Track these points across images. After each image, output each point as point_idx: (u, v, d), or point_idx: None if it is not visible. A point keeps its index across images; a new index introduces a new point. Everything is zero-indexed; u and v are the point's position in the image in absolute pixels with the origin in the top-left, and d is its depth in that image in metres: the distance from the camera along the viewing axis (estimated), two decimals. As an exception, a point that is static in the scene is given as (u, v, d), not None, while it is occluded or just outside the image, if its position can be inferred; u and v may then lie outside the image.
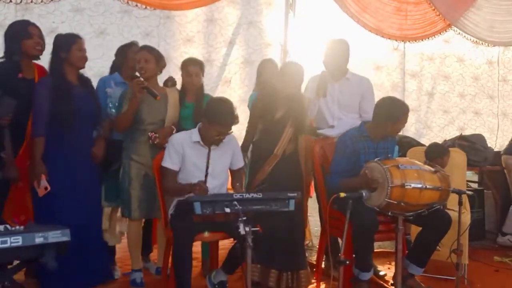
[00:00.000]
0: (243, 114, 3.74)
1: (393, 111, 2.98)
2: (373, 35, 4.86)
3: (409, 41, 5.09)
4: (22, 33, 2.89)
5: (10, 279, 2.53)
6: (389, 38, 4.98)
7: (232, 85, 4.55)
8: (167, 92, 3.18)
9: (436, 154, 3.38)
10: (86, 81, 3.06)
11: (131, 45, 3.34)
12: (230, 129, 2.88)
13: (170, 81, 3.32)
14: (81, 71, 3.06)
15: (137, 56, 3.09)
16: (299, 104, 3.19)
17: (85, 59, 2.99)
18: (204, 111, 2.91)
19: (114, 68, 3.36)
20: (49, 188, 2.81)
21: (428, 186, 2.74)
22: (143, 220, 3.30)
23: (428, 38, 5.08)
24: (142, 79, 2.98)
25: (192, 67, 3.27)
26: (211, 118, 2.81)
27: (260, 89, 3.63)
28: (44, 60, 3.03)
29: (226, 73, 4.55)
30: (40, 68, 3.04)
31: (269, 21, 4.61)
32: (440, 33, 5.10)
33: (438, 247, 3.06)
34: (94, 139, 3.06)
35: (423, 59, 5.29)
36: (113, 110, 3.15)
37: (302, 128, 3.18)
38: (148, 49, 3.11)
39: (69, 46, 2.91)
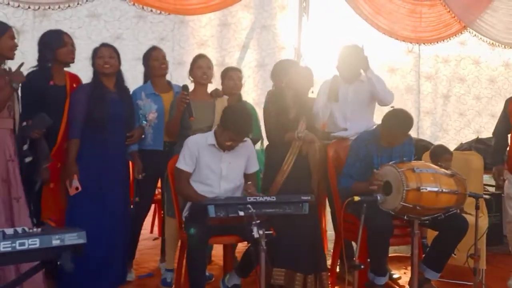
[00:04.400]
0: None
1: (393, 127, 2.96)
2: (387, 38, 4.84)
3: (423, 43, 5.05)
4: (57, 42, 3.00)
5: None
6: (403, 40, 4.96)
7: (245, 89, 4.56)
8: (216, 100, 3.25)
9: (437, 154, 3.37)
10: (123, 88, 3.17)
11: (150, 52, 3.39)
12: (243, 138, 2.89)
13: (216, 93, 3.36)
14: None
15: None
16: (307, 103, 3.22)
17: (105, 64, 3.05)
18: (221, 116, 2.93)
19: (146, 77, 3.43)
20: (80, 188, 2.92)
21: (444, 190, 2.70)
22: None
23: (443, 40, 5.05)
24: (187, 94, 3.06)
25: (234, 72, 3.53)
26: (225, 124, 2.83)
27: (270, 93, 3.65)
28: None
29: (240, 76, 4.57)
30: (72, 75, 3.15)
31: (282, 24, 4.62)
32: (455, 35, 5.06)
33: (454, 252, 3.01)
34: (131, 154, 3.20)
35: (438, 61, 5.25)
36: (144, 122, 3.24)
37: (312, 126, 3.18)
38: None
39: (94, 57, 3.06)
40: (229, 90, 3.46)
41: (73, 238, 1.79)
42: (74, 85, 3.10)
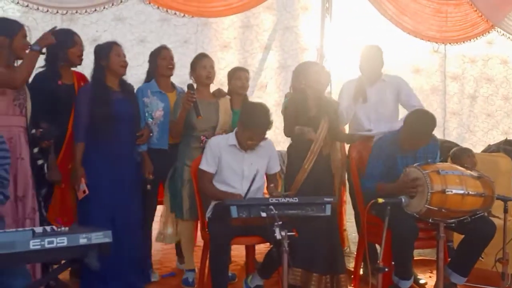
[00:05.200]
0: (278, 118, 3.75)
1: (414, 127, 2.90)
2: (411, 38, 4.77)
3: (449, 43, 4.96)
4: (69, 42, 3.01)
5: (56, 278, 2.66)
6: (429, 40, 4.87)
7: (267, 90, 4.57)
8: (219, 100, 3.25)
9: (457, 156, 3.34)
10: (127, 86, 3.14)
11: (160, 51, 3.38)
12: (264, 135, 2.89)
13: (218, 93, 3.37)
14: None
15: (166, 55, 3.21)
16: (329, 102, 3.19)
17: (124, 64, 3.06)
18: (239, 115, 2.93)
19: (149, 74, 3.41)
20: (87, 192, 2.92)
21: (470, 192, 2.65)
22: None
23: (470, 40, 4.94)
24: (194, 93, 3.05)
25: (242, 72, 3.49)
26: (244, 122, 2.84)
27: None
28: (82, 67, 3.16)
29: (262, 78, 4.58)
30: (79, 74, 3.16)
31: (305, 25, 4.61)
32: (482, 34, 4.94)
33: (482, 255, 2.94)
34: (141, 154, 3.18)
35: (465, 61, 5.15)
36: (150, 119, 3.23)
37: (335, 128, 3.15)
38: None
39: (107, 53, 3.01)
40: (236, 90, 3.43)
41: (100, 237, 1.82)
42: (82, 84, 3.10)
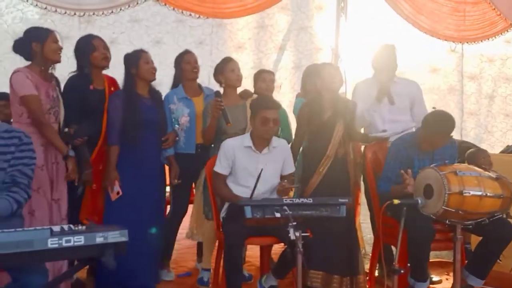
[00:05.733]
0: (293, 118, 3.75)
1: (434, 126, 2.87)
2: (428, 37, 4.71)
3: (467, 42, 4.89)
4: (88, 47, 3.07)
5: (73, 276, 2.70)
6: (446, 40, 4.81)
7: (282, 91, 4.57)
8: (247, 102, 3.27)
9: (472, 157, 3.32)
10: (156, 94, 3.24)
11: (183, 55, 3.42)
12: (276, 112, 2.90)
13: (245, 94, 3.40)
14: None
15: (190, 58, 3.27)
16: (345, 104, 3.18)
17: (153, 70, 3.15)
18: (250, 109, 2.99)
19: (176, 80, 3.46)
20: (121, 193, 3.02)
21: (488, 194, 2.61)
22: None
23: (488, 39, 4.86)
24: (221, 100, 3.09)
25: (267, 74, 3.57)
26: (253, 108, 2.90)
27: (305, 95, 3.63)
28: (110, 70, 3.22)
29: (276, 78, 4.56)
30: (111, 79, 3.24)
31: (320, 25, 4.59)
32: (501, 33, 4.86)
33: (500, 258, 2.89)
34: (167, 158, 3.24)
35: (483, 61, 5.07)
36: (176, 126, 3.29)
37: (351, 127, 3.14)
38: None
39: (137, 61, 3.11)
40: (262, 91, 3.48)
41: (116, 236, 1.84)
42: (112, 88, 3.18)
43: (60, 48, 2.84)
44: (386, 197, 2.68)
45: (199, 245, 3.56)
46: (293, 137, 3.38)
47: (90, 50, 3.05)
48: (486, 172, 2.76)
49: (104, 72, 3.19)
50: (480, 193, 2.60)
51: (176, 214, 3.39)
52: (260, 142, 2.94)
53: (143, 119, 3.05)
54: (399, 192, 2.80)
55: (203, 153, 3.30)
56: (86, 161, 2.94)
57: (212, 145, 3.29)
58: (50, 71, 2.87)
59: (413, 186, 2.76)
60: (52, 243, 1.78)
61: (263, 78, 3.53)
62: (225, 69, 3.29)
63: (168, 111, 3.28)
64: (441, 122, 2.88)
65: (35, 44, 2.76)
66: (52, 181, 2.79)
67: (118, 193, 3.01)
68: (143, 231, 2.98)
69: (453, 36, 4.80)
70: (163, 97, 3.31)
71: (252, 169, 2.92)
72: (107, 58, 3.12)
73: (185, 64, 3.37)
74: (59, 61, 2.86)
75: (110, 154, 3.05)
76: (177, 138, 3.28)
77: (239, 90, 3.40)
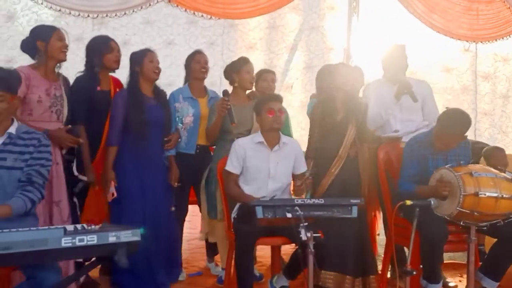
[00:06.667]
0: (305, 119, 3.74)
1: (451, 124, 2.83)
2: (441, 36, 4.67)
3: (481, 42, 4.83)
4: (105, 47, 3.05)
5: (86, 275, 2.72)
6: (459, 39, 4.77)
7: (293, 91, 4.57)
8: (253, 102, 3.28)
9: (488, 155, 3.29)
10: (160, 93, 3.21)
11: (194, 55, 3.41)
12: (279, 104, 2.93)
13: (253, 95, 3.41)
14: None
15: (200, 59, 3.26)
16: (357, 105, 3.15)
17: (157, 70, 3.12)
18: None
19: (186, 80, 3.46)
20: (115, 195, 2.98)
21: (504, 195, 2.57)
22: None
23: (502, 38, 4.80)
24: (228, 99, 3.10)
25: (268, 74, 3.60)
26: (258, 105, 2.94)
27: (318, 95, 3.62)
28: (118, 72, 3.21)
29: (288, 78, 4.58)
30: (116, 80, 3.22)
31: (331, 25, 4.59)
32: (515, 32, 4.81)
33: (515, 260, 2.86)
34: (168, 159, 3.21)
35: (497, 60, 5.01)
36: (180, 124, 3.28)
37: (363, 129, 3.12)
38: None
39: (141, 59, 3.08)
40: (263, 91, 3.49)
41: (128, 235, 1.86)
42: (117, 90, 3.15)
43: (66, 46, 2.79)
44: (410, 197, 2.62)
45: (209, 245, 3.55)
46: (305, 138, 3.37)
47: (106, 51, 3.04)
48: (502, 174, 2.72)
49: (116, 71, 3.18)
50: (496, 194, 2.57)
51: (178, 215, 3.35)
52: (271, 135, 2.94)
53: (147, 118, 3.03)
54: (426, 194, 2.71)
55: (202, 154, 3.30)
56: (87, 165, 2.92)
57: (215, 146, 3.29)
58: (56, 70, 2.82)
59: (449, 191, 2.67)
60: (65, 242, 1.79)
61: (265, 77, 3.55)
62: (242, 70, 3.28)
63: (173, 110, 3.26)
64: (457, 122, 2.84)
65: (39, 43, 2.72)
66: (52, 182, 2.72)
67: (112, 194, 2.97)
68: (151, 230, 2.95)
69: (466, 35, 4.76)
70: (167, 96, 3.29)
71: (263, 167, 2.92)
72: (118, 62, 3.11)
73: (194, 64, 3.36)
74: (64, 60, 2.81)
75: (108, 155, 3.01)
76: (179, 139, 3.27)
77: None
